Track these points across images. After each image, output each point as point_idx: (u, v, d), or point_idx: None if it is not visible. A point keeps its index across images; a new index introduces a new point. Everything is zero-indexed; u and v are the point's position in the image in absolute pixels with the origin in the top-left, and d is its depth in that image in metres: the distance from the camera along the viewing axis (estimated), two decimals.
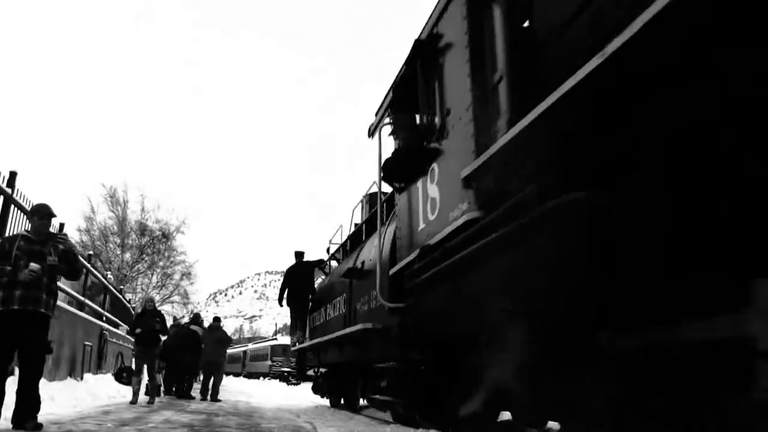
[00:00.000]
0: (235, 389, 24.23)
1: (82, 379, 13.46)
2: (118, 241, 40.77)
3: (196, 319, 16.75)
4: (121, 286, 29.83)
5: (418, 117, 6.43)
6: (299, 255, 14.54)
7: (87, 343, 14.48)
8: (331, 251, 14.55)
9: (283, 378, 40.83)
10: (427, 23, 6.36)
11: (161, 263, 43.04)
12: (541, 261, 3.72)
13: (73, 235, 37.68)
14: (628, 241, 3.02)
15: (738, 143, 2.46)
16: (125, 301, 24.40)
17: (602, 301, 3.36)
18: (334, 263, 14.40)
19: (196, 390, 15.85)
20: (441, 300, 5.54)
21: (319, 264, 14.51)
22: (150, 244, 41.97)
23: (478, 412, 5.40)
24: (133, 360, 13.05)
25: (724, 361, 2.65)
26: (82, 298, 15.15)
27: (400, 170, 6.92)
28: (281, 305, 14.57)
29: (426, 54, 6.24)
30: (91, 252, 21.87)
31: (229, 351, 62.22)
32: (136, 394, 12.01)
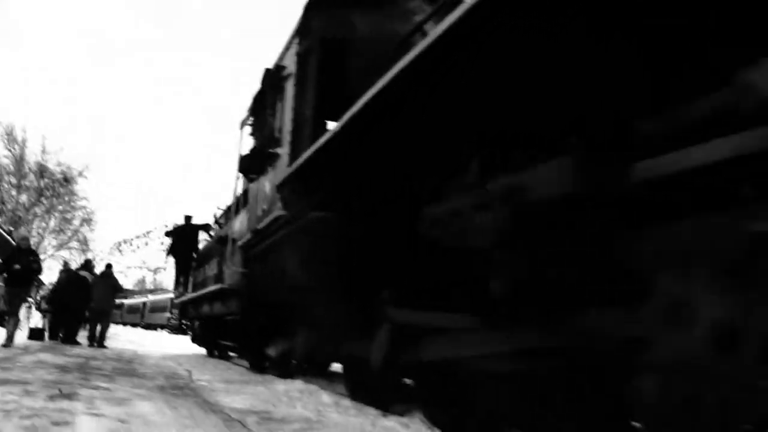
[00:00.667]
0: (127, 339, 24.00)
1: None
2: (14, 181, 39.12)
3: (87, 264, 16.45)
4: (11, 228, 28.88)
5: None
6: (188, 219, 16.21)
7: None
8: (217, 217, 15.69)
9: (181, 330, 40.59)
10: (279, 54, 7.95)
11: (60, 207, 41.63)
12: (301, 254, 5.92)
13: None
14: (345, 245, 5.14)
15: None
16: (11, 240, 23.69)
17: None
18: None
19: (83, 337, 15.71)
20: (261, 271, 7.90)
21: (204, 228, 15.84)
22: (50, 187, 40.48)
23: (277, 356, 8.22)
24: (5, 301, 12.28)
25: None
26: None
27: (252, 165, 8.53)
28: (166, 259, 17.29)
29: (273, 79, 7.85)
30: None
31: (129, 302, 61.47)
32: (11, 337, 11.46)
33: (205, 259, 13.94)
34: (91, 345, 14.42)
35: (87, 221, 42.33)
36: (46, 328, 16.34)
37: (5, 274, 11.94)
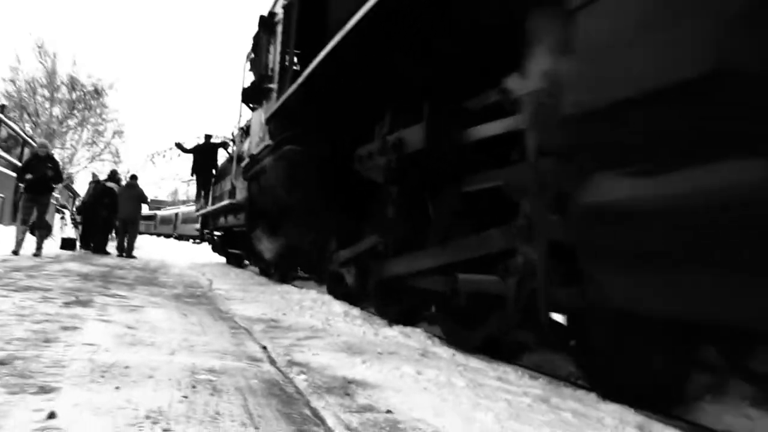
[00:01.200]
0: (157, 249, 24.55)
1: None
2: (47, 94, 39.39)
3: (113, 176, 16.66)
4: (47, 141, 29.31)
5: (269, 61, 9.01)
6: (207, 137, 17.66)
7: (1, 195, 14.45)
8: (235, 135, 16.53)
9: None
10: (272, 2, 9.34)
11: (92, 120, 41.98)
12: (280, 178, 7.36)
13: None
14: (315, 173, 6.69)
15: None
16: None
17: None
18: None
19: (113, 247, 16.10)
20: (256, 188, 9.33)
21: (223, 145, 17.14)
22: (81, 99, 40.74)
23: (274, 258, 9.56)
24: (21, 208, 11.48)
25: None
26: None
27: (252, 96, 9.96)
28: (192, 175, 18.48)
29: (266, 24, 9.19)
30: (5, 103, 21.21)
31: (162, 213, 62.62)
32: (19, 243, 11.04)
33: (222, 176, 15.41)
34: (120, 255, 14.82)
35: (118, 133, 42.81)
36: (78, 238, 16.77)
37: (23, 183, 11.55)
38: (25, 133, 18.80)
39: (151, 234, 57.02)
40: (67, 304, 4.89)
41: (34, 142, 21.18)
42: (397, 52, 4.36)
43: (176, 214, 58.37)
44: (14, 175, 16.18)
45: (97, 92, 41.03)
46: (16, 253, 10.71)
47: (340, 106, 5.81)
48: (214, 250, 18.80)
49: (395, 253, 5.46)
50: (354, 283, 6.60)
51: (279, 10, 8.60)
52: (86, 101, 40.53)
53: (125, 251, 14.93)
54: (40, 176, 11.23)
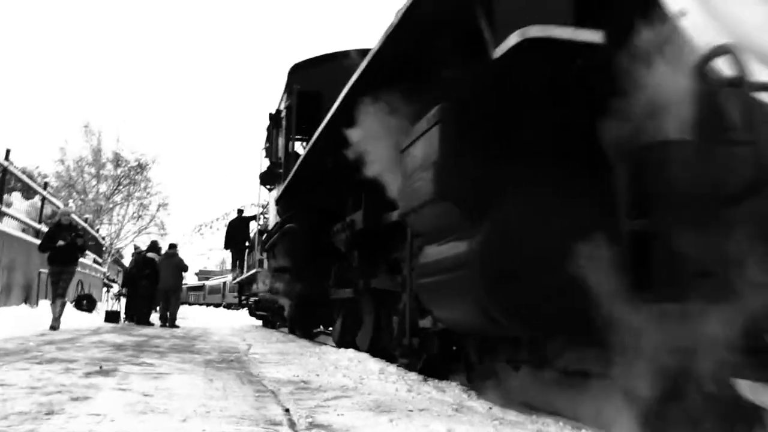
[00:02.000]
0: (204, 318, 24.49)
1: (36, 305, 13.51)
2: (93, 171, 40.30)
3: (154, 246, 16.64)
4: (89, 217, 29.86)
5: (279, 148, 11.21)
6: (240, 211, 19.99)
7: (43, 270, 14.50)
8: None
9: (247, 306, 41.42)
10: (278, 102, 11.62)
11: (137, 194, 42.64)
12: (283, 249, 9.47)
13: (48, 167, 37.58)
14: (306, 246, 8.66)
15: None
16: (92, 231, 24.32)
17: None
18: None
19: (157, 318, 16.00)
20: (272, 258, 11.29)
21: (254, 218, 18.55)
22: (126, 175, 41.56)
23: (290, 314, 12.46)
24: (49, 283, 11.27)
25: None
26: (38, 226, 15.12)
27: (267, 179, 12.44)
28: (226, 248, 20.43)
29: (274, 120, 11.66)
30: (47, 180, 21.69)
31: (210, 283, 63.00)
32: (57, 319, 10.63)
33: (253, 247, 17.12)
34: (163, 325, 14.66)
35: (163, 206, 43.10)
36: (122, 310, 16.72)
37: (48, 253, 11.01)
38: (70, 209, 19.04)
39: (201, 304, 57.27)
40: (87, 375, 4.68)
41: (78, 216, 21.48)
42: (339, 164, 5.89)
43: (224, 283, 58.68)
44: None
45: (141, 167, 41.72)
46: (54, 328, 10.39)
47: (322, 194, 7.83)
48: (251, 314, 20.11)
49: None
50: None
51: (283, 107, 10.75)
52: (131, 176, 41.27)
53: (168, 321, 14.75)
54: (64, 246, 10.70)
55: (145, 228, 42.20)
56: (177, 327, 14.49)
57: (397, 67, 4.36)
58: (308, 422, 3.16)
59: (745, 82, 2.21)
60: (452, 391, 4.16)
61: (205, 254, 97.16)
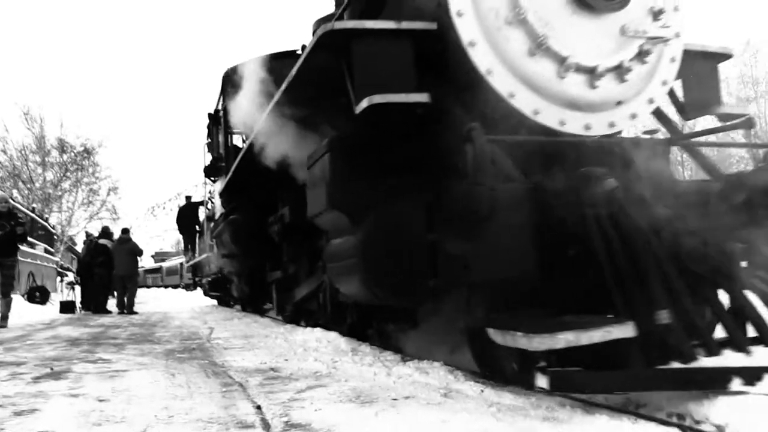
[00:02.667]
0: (162, 301, 23.94)
1: None
2: (38, 159, 38.94)
3: (106, 232, 15.99)
4: (36, 206, 28.86)
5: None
6: (188, 198, 20.62)
7: None
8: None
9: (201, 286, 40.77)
10: (215, 102, 12.65)
11: (86, 180, 41.32)
12: (228, 237, 10.52)
13: None
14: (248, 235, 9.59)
15: None
16: (41, 221, 23.43)
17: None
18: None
19: (115, 305, 15.48)
20: (220, 244, 12.24)
21: (202, 203, 18.58)
22: (72, 161, 40.21)
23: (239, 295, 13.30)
24: None
25: None
26: None
27: (211, 172, 13.11)
28: (180, 233, 21.69)
29: (213, 118, 12.86)
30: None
31: (167, 265, 61.96)
32: (5, 318, 10.05)
33: (203, 231, 17.96)
34: (121, 312, 14.15)
35: (113, 190, 41.83)
36: (76, 300, 16.17)
37: None
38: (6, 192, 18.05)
39: (159, 286, 56.28)
40: (36, 380, 4.29)
41: (23, 205, 20.64)
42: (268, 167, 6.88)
43: (181, 264, 57.74)
44: None
45: (87, 152, 40.35)
46: (2, 327, 9.76)
47: (259, 189, 8.44)
48: (205, 294, 20.99)
49: (290, 282, 8.24)
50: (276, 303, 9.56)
51: (221, 107, 11.91)
52: (78, 162, 39.94)
53: (126, 308, 14.23)
54: (2, 236, 9.80)
55: (97, 213, 40.98)
56: (135, 313, 13.99)
57: (301, 103, 5.34)
58: (284, 422, 2.84)
59: (474, 136, 3.13)
60: (436, 373, 3.85)
61: (160, 236, 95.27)
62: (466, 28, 3.87)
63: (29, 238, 18.60)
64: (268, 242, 8.56)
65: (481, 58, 3.87)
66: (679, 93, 4.98)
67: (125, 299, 14.44)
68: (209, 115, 13.16)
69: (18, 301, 14.31)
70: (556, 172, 3.54)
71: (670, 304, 2.91)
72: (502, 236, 3.17)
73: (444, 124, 3.85)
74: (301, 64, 4.57)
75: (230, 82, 10.37)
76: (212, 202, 15.60)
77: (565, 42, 3.88)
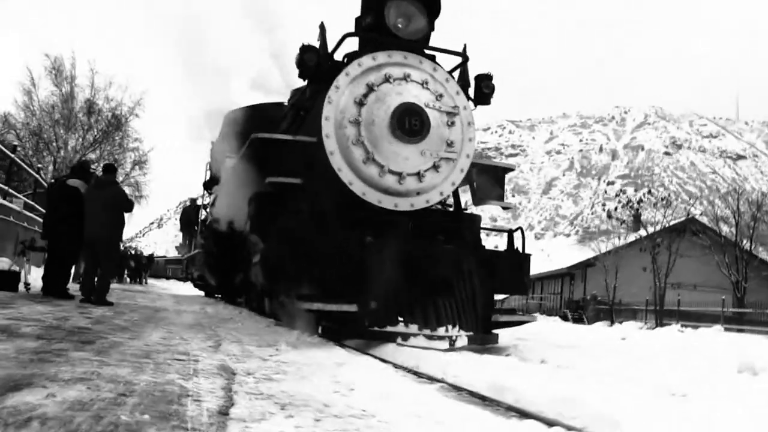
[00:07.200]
0: (170, 289, 26.78)
1: None
2: (62, 120, 34.38)
3: (81, 169, 11.47)
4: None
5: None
6: (193, 200, 26.06)
7: None
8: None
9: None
10: (218, 137, 15.88)
11: (108, 148, 36.49)
12: (208, 240, 16.39)
13: (11, 111, 34.71)
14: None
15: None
16: (20, 162, 21.27)
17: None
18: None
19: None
20: (210, 245, 15.96)
21: (204, 207, 22.58)
22: (101, 128, 35.53)
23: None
24: None
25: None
26: None
27: (208, 186, 19.39)
28: (180, 230, 28.65)
29: (213, 146, 17.38)
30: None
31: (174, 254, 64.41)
32: None
33: (199, 231, 22.32)
34: (85, 300, 9.97)
35: (138, 164, 38.62)
36: (24, 270, 11.65)
37: None
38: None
39: (160, 277, 57.51)
40: None
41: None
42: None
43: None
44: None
45: (116, 118, 36.50)
46: None
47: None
48: (195, 286, 26.43)
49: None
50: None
51: (217, 139, 15.87)
52: (106, 130, 36.03)
53: (94, 295, 9.99)
54: None
55: None
56: (108, 304, 9.82)
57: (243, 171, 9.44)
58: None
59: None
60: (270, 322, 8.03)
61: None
62: (330, 144, 7.88)
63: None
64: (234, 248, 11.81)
65: (337, 161, 7.86)
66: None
67: (93, 280, 10.32)
68: (212, 142, 17.38)
69: None
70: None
71: (379, 297, 7.14)
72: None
73: (309, 195, 7.88)
74: (244, 150, 9.35)
75: (226, 121, 14.08)
76: (206, 211, 20.67)
77: (385, 157, 7.89)
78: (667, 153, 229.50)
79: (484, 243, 9.57)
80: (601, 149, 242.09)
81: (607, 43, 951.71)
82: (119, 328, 6.50)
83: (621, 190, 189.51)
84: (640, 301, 32.27)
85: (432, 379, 4.86)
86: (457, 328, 7.46)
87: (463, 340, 7.37)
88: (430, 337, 7.16)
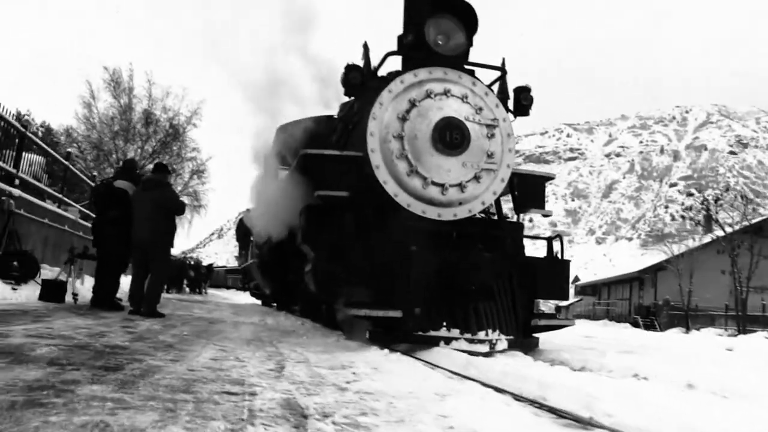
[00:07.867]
0: (230, 300, 27.66)
1: None
2: (121, 131, 36.39)
3: (128, 168, 11.41)
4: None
5: None
6: (248, 211, 26.20)
7: None
8: None
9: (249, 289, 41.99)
10: (270, 149, 15.67)
11: (166, 158, 36.56)
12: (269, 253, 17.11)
13: (71, 124, 36.22)
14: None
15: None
16: (77, 171, 21.24)
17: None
18: None
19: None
20: (264, 255, 18.60)
21: None
22: (160, 138, 37.67)
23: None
24: None
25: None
26: None
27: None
28: (237, 241, 31.22)
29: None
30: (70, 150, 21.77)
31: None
32: None
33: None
34: (135, 311, 9.76)
35: (197, 173, 39.62)
36: (71, 280, 11.57)
37: None
38: (25, 126, 15.33)
39: (220, 287, 58.23)
40: None
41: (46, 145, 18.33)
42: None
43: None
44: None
45: (173, 127, 37.96)
46: None
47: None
48: (252, 295, 28.79)
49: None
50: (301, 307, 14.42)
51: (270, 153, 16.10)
52: (163, 140, 37.83)
53: (143, 305, 9.78)
54: None
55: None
56: (158, 316, 9.59)
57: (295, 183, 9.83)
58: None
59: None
60: (331, 332, 8.51)
61: None
62: (375, 158, 8.39)
63: (44, 188, 16.25)
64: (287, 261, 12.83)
65: (382, 174, 8.37)
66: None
67: (142, 288, 10.01)
68: (264, 156, 17.85)
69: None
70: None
71: (422, 303, 7.69)
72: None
73: (356, 207, 8.36)
74: (294, 164, 9.94)
75: (278, 135, 14.56)
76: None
77: (428, 169, 8.36)
78: (732, 152, 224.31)
79: (535, 249, 10.02)
80: (662, 150, 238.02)
81: (662, 41, 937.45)
82: (163, 346, 5.77)
83: (689, 192, 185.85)
84: (717, 307, 31.07)
85: (578, 420, 3.66)
86: (497, 332, 7.89)
87: (503, 344, 7.80)
88: (471, 341, 7.58)
